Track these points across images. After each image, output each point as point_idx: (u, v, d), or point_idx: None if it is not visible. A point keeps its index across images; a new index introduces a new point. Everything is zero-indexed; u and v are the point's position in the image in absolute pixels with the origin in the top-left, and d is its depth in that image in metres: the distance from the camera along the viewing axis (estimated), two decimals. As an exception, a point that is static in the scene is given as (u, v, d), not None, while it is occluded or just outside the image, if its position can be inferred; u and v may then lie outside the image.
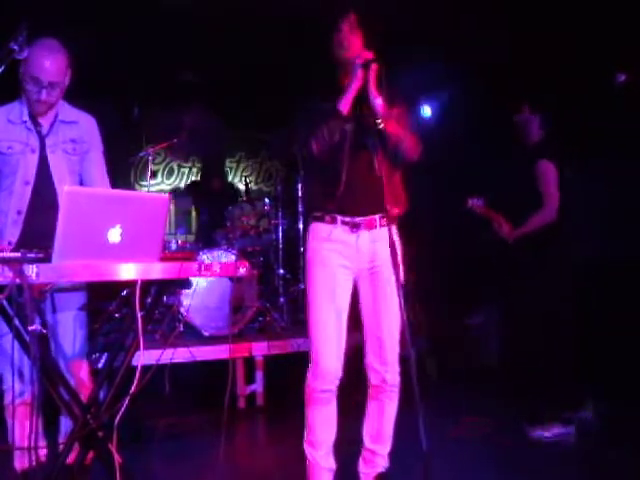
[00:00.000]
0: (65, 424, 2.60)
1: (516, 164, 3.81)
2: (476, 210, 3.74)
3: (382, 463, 2.56)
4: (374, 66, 2.38)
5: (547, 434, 3.41)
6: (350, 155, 2.46)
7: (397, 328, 2.48)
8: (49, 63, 2.39)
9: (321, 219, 2.50)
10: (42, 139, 2.52)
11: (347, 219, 2.46)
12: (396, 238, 2.48)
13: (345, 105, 2.42)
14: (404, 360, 2.17)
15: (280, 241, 5.13)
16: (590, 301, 4.32)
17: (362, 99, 2.46)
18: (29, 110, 2.50)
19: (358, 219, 2.47)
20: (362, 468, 2.58)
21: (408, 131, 2.50)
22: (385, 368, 2.49)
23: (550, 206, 3.47)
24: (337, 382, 2.46)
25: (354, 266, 2.49)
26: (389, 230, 2.32)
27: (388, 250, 2.29)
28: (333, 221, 2.47)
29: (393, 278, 2.27)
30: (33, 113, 2.50)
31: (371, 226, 2.48)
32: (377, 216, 2.48)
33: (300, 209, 5.13)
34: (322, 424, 2.49)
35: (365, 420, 2.58)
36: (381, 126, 2.43)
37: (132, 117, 5.12)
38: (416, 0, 4.35)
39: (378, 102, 2.44)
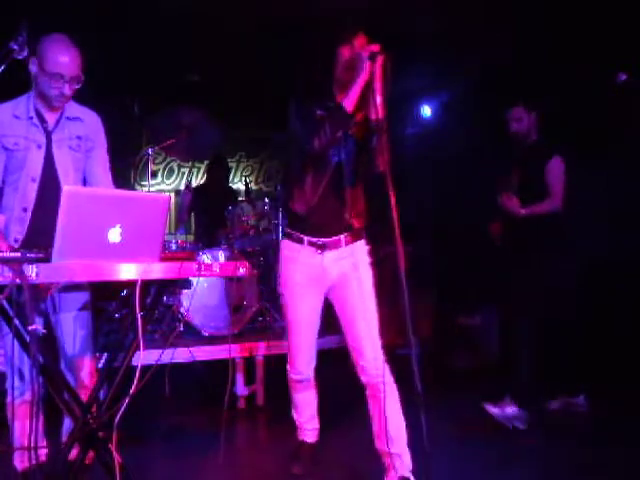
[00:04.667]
0: (68, 423, 2.59)
1: (520, 160, 3.83)
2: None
3: (400, 464, 2.44)
4: (380, 58, 2.32)
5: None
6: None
7: (374, 327, 2.50)
8: (69, 58, 2.39)
9: (290, 237, 2.61)
10: (48, 135, 2.50)
11: (314, 240, 2.53)
12: (364, 256, 2.57)
13: (351, 101, 2.35)
14: (405, 359, 2.16)
15: (280, 241, 5.10)
16: (590, 302, 4.32)
17: (362, 97, 2.38)
18: (39, 105, 2.48)
19: (324, 240, 2.53)
20: (386, 476, 2.49)
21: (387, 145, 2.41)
22: (367, 364, 2.49)
23: (557, 197, 3.67)
24: (311, 374, 2.79)
25: (322, 284, 2.59)
26: (355, 247, 2.54)
27: (356, 263, 2.50)
28: (300, 241, 2.56)
29: (365, 282, 2.50)
30: (50, 107, 2.48)
31: (337, 246, 2.54)
32: (342, 235, 2.53)
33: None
34: (303, 403, 2.88)
35: (372, 423, 2.53)
36: (377, 128, 2.39)
37: (132, 117, 5.11)
38: (421, 0, 4.35)
39: (378, 100, 2.36)
